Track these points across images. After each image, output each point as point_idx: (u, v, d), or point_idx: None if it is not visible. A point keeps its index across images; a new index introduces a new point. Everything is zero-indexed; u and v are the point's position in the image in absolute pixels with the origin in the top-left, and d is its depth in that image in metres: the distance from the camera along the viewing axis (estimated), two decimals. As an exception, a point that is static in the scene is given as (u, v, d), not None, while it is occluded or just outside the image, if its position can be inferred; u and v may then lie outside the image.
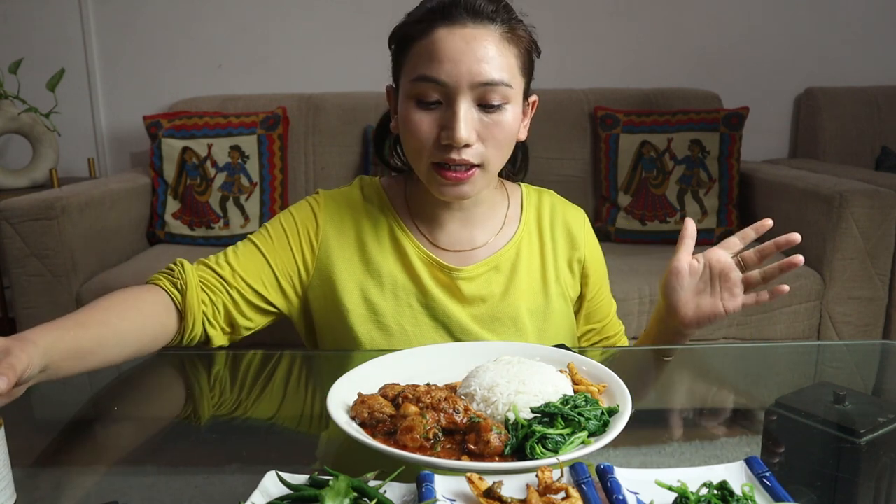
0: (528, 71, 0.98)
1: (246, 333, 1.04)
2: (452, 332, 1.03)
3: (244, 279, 1.01)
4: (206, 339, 1.00)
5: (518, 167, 1.14)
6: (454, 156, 0.92)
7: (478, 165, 0.94)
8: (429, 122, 0.92)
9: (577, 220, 1.12)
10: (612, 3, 2.83)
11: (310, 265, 1.05)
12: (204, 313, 0.98)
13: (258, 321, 1.04)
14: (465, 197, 0.97)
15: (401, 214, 1.06)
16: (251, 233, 1.08)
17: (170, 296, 0.95)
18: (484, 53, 0.90)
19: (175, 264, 1.00)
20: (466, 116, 0.90)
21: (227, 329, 1.02)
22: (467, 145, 0.91)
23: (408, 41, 0.95)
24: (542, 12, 2.89)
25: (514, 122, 0.95)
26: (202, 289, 0.98)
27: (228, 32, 2.83)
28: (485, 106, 0.92)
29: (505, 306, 1.04)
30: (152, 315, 0.93)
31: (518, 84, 0.95)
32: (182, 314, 0.95)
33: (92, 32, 2.82)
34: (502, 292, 1.04)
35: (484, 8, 0.92)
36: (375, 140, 1.13)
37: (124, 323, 0.88)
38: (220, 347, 1.05)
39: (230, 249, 1.04)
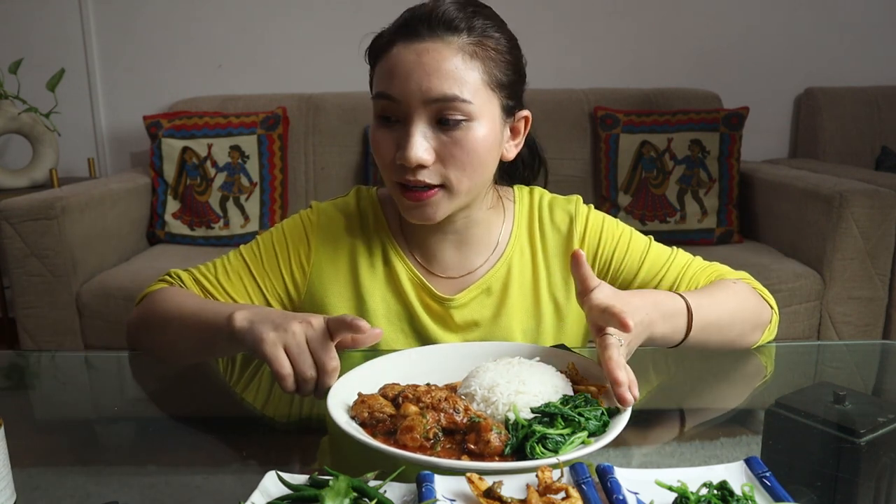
0: (503, 85, 0.90)
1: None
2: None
3: (234, 299, 0.99)
4: None
5: (532, 177, 1.09)
6: (409, 176, 0.87)
7: (439, 186, 0.89)
8: (388, 142, 0.89)
9: (565, 217, 1.03)
10: (611, 3, 2.83)
11: (300, 287, 1.01)
12: None
13: None
14: (431, 220, 0.92)
15: (395, 235, 1.02)
16: (251, 233, 1.07)
17: None
18: (435, 67, 0.85)
19: (171, 276, 0.99)
20: (418, 136, 0.86)
21: None
22: (422, 166, 0.86)
23: (374, 59, 0.92)
24: (541, 12, 2.90)
25: (480, 141, 0.88)
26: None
27: (228, 32, 2.83)
28: (443, 123, 0.86)
29: (497, 329, 1.01)
30: None
31: (484, 100, 0.87)
32: None
33: (92, 32, 2.81)
34: (494, 315, 1.01)
35: (444, 20, 0.86)
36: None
37: None
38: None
39: (219, 264, 1.01)
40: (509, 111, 0.93)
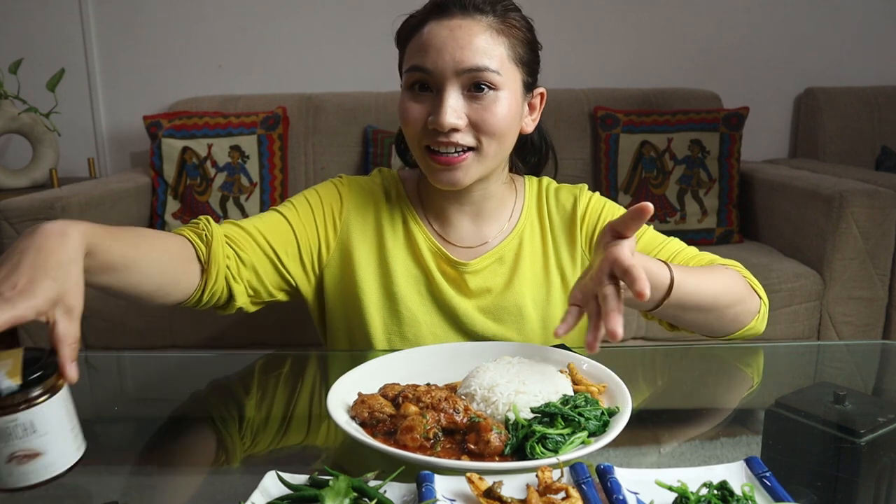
0: (524, 62, 0.99)
1: (268, 299, 1.04)
2: (458, 322, 1.06)
3: (269, 242, 1.01)
4: (230, 297, 0.98)
5: (542, 163, 1.18)
6: (441, 139, 0.94)
7: (472, 149, 0.96)
8: (418, 109, 0.96)
9: (570, 198, 1.11)
10: (612, 3, 2.83)
11: (331, 242, 1.07)
12: (227, 267, 0.96)
13: (277, 291, 1.05)
14: (458, 184, 0.98)
15: (415, 206, 1.10)
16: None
17: (194, 246, 0.94)
18: (467, 41, 0.94)
19: (200, 219, 0.99)
20: (452, 102, 0.93)
21: (251, 291, 1.01)
22: (455, 130, 0.94)
23: (405, 39, 1.00)
24: (542, 12, 2.89)
25: (507, 110, 0.96)
26: (227, 244, 0.97)
27: (228, 32, 2.83)
28: (474, 92, 0.94)
29: (510, 296, 1.06)
30: (179, 257, 0.92)
31: (509, 73, 0.96)
32: (205, 266, 0.94)
33: (92, 32, 2.81)
34: (506, 283, 1.06)
35: (473, 2, 0.95)
36: (397, 138, 1.14)
37: (153, 253, 0.87)
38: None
39: (255, 216, 1.05)
40: (528, 87, 1.02)
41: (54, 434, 0.61)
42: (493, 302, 1.06)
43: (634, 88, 2.72)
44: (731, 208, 2.47)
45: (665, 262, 0.87)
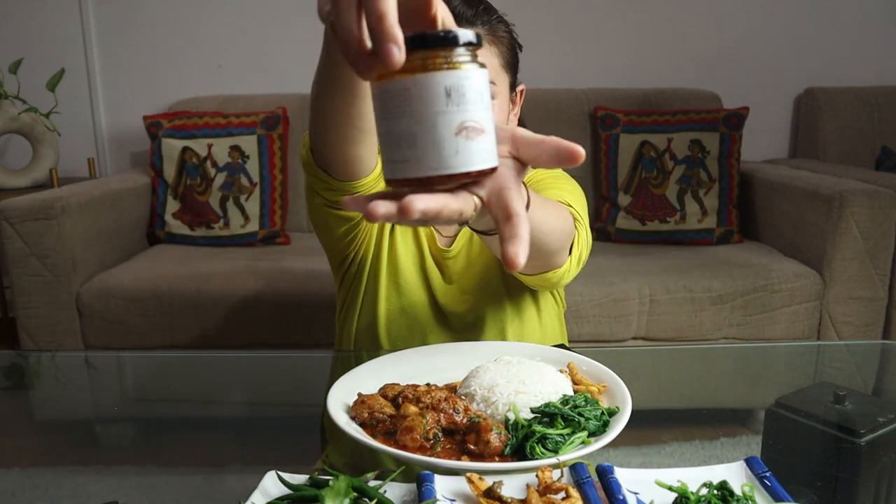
0: (511, 66, 1.05)
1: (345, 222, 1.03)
2: (438, 303, 1.09)
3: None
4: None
5: None
6: None
7: None
8: None
9: (532, 170, 1.13)
10: (612, 3, 2.83)
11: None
12: None
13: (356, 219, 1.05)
14: None
15: None
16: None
17: None
18: None
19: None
20: None
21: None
22: None
23: None
24: (542, 12, 2.89)
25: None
26: None
27: (228, 32, 2.83)
28: None
29: (484, 255, 1.09)
30: None
31: (501, 80, 1.02)
32: None
33: (92, 32, 2.81)
34: (478, 252, 1.09)
35: (464, 14, 0.98)
36: None
37: None
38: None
39: None
40: (512, 87, 1.07)
41: (491, 113, 0.49)
42: (472, 277, 1.09)
43: (634, 88, 2.72)
44: (731, 208, 2.47)
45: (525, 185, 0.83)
